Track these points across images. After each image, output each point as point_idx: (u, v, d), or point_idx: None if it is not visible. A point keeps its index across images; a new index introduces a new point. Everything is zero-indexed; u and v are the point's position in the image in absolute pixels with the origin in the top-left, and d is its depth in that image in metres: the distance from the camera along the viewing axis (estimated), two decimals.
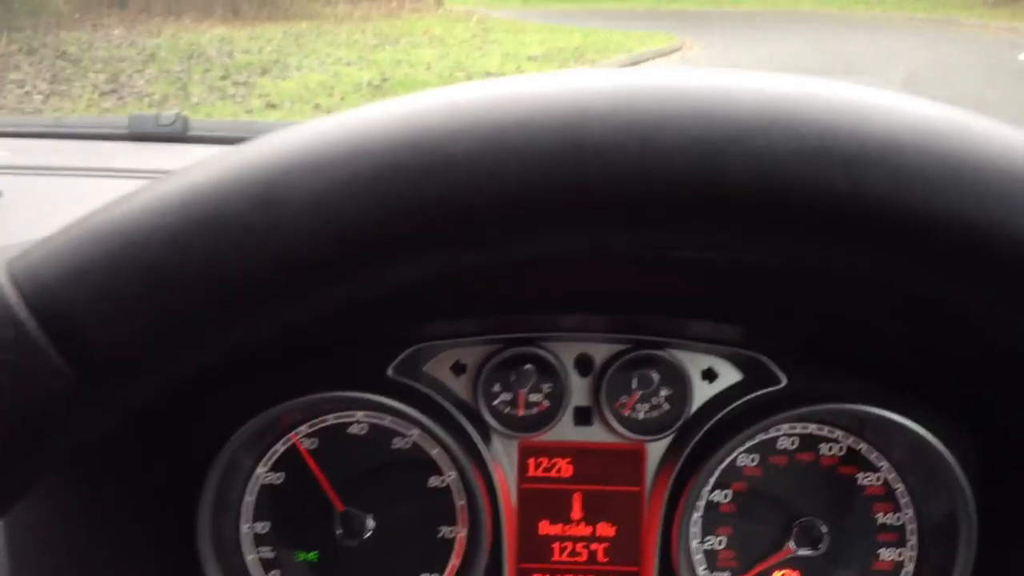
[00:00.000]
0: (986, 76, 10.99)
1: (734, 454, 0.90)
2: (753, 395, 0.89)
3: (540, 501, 0.92)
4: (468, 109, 0.39)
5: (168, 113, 1.54)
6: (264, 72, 9.60)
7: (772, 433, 0.90)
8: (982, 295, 0.39)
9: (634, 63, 12.19)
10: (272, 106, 7.96)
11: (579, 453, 0.92)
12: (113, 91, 8.27)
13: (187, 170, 0.39)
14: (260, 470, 0.91)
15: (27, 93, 8.01)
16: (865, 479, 0.90)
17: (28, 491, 0.40)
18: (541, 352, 0.90)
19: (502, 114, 0.38)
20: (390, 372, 0.90)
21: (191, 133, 1.53)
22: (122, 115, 1.59)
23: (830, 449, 0.90)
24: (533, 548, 0.92)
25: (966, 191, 0.37)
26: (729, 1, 25.98)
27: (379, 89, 8.76)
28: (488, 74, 9.78)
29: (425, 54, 11.51)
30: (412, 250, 0.39)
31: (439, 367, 0.92)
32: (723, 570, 0.91)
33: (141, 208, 0.38)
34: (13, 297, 0.37)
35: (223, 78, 9.14)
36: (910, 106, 0.40)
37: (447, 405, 0.90)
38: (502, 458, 0.92)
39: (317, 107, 7.89)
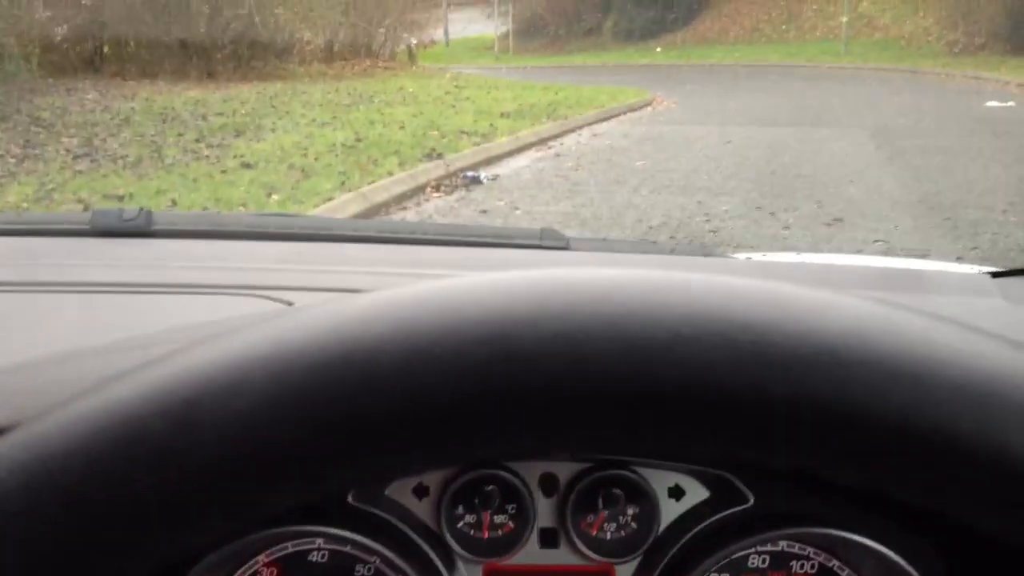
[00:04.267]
0: (955, 125, 11.18)
1: (704, 575, 0.88)
2: (721, 514, 0.88)
3: None
4: (394, 321, 0.38)
5: (131, 208, 1.53)
6: (239, 134, 9.62)
7: (742, 552, 0.88)
8: (920, 491, 0.39)
9: (606, 118, 12.35)
10: (247, 166, 7.97)
11: None
12: (87, 154, 8.28)
13: (108, 387, 0.38)
14: None
15: (0, 158, 8.00)
16: None
17: None
18: (504, 473, 0.88)
19: (430, 324, 0.37)
20: (351, 499, 0.87)
21: (156, 227, 1.52)
22: (84, 211, 1.58)
23: (802, 567, 0.88)
24: None
25: (904, 393, 0.37)
26: (697, 55, 26.41)
27: (353, 149, 8.80)
28: (462, 132, 9.86)
29: (399, 112, 11.60)
30: (338, 468, 0.38)
31: (401, 490, 0.89)
32: None
33: (58, 432, 0.37)
34: None
35: (197, 140, 9.17)
36: (844, 306, 0.40)
37: (409, 532, 0.87)
38: None
39: (291, 167, 7.92)
